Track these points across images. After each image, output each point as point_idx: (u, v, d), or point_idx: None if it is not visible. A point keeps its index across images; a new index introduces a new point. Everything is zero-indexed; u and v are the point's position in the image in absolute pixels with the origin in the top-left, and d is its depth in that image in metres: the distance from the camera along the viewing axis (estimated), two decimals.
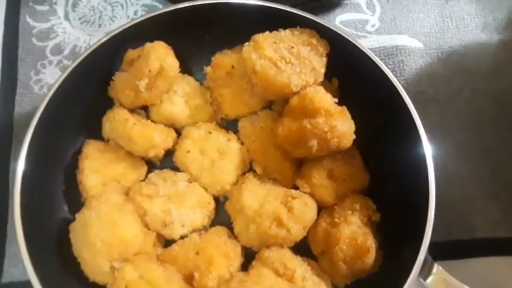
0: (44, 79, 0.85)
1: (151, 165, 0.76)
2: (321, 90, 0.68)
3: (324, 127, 0.65)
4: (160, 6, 0.92)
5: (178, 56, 0.75)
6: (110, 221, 0.62)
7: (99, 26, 0.91)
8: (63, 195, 0.70)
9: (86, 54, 0.70)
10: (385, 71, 0.70)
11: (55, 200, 0.69)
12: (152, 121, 0.75)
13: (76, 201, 0.70)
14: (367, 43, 0.88)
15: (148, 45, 0.70)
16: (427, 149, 0.65)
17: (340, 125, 0.65)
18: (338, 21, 0.91)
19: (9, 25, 0.89)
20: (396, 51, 0.87)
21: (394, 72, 0.85)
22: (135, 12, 0.92)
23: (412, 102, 0.80)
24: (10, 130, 0.81)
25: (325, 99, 0.67)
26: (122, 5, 0.92)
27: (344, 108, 0.67)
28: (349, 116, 0.67)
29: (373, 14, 0.91)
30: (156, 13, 0.72)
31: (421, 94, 0.83)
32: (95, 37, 0.89)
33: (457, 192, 0.76)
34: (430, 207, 0.61)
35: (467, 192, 0.76)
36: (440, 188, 0.74)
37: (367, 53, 0.70)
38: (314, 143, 0.66)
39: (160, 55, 0.69)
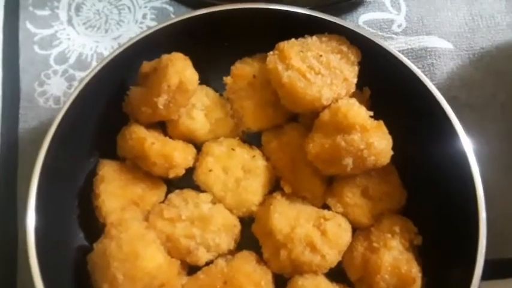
0: (49, 91, 0.80)
1: (169, 184, 0.71)
2: (355, 103, 0.63)
3: (359, 144, 0.60)
4: (171, 8, 0.86)
5: (196, 65, 0.70)
6: (131, 252, 0.57)
7: (106, 31, 0.84)
8: (78, 221, 0.65)
9: (98, 68, 0.65)
10: (420, 76, 0.65)
11: (70, 227, 0.64)
12: (170, 137, 0.69)
13: (93, 226, 0.65)
14: (394, 45, 0.83)
15: (165, 57, 0.64)
16: (473, 162, 0.60)
17: (378, 142, 0.60)
18: (361, 21, 0.85)
19: (8, 32, 0.83)
20: (425, 53, 0.81)
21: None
22: (144, 16, 0.85)
23: None
24: (15, 148, 0.75)
25: (360, 114, 0.62)
26: (129, 8, 0.86)
27: (381, 122, 0.62)
28: (386, 131, 0.62)
29: (399, 13, 0.85)
30: (171, 22, 0.67)
31: (454, 100, 0.78)
32: (101, 43, 0.83)
33: (497, 207, 0.71)
34: (481, 226, 0.56)
35: (508, 209, 0.71)
36: None
37: (399, 57, 0.65)
38: (349, 161, 0.61)
39: (179, 68, 0.63)
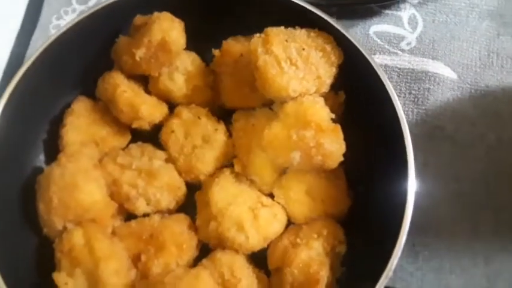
0: (62, 26, 0.85)
1: (138, 136, 0.74)
2: (320, 102, 0.63)
3: (309, 142, 0.60)
4: None
5: (192, 31, 0.72)
6: (71, 182, 0.61)
7: None
8: (43, 145, 0.71)
9: (99, 7, 0.69)
10: (390, 93, 0.63)
11: (33, 147, 0.70)
12: (148, 92, 0.73)
13: (54, 154, 0.69)
14: (396, 61, 0.81)
15: (155, 14, 0.67)
16: (411, 192, 0.58)
17: (328, 144, 0.60)
18: (372, 30, 0.84)
19: None
20: (425, 77, 0.79)
21: (416, 99, 0.78)
22: None
23: (428, 137, 0.76)
24: (18, 69, 0.82)
25: (319, 113, 0.62)
26: None
27: (337, 126, 0.62)
28: (341, 136, 0.62)
29: (413, 32, 0.83)
30: None
31: (439, 130, 0.76)
32: None
33: (444, 246, 0.69)
34: (395, 251, 0.56)
35: (455, 252, 0.69)
36: (429, 235, 0.69)
37: (377, 70, 0.64)
38: (296, 155, 0.61)
39: (164, 27, 0.66)
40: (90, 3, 0.87)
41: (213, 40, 0.75)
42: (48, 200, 0.61)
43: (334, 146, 0.61)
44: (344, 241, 0.63)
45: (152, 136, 0.74)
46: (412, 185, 0.58)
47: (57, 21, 0.86)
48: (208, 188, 0.66)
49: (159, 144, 0.72)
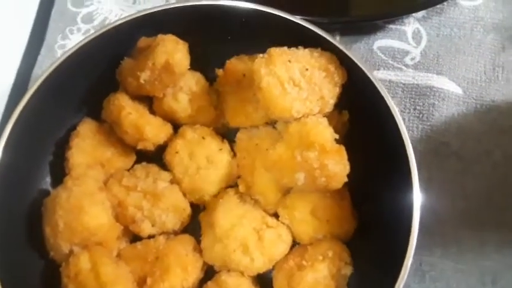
0: (68, 45, 0.86)
1: (143, 157, 0.74)
2: (323, 122, 0.63)
3: (313, 163, 0.60)
4: None
5: (197, 51, 0.72)
6: (77, 206, 0.61)
7: (134, 2, 0.90)
8: (49, 167, 0.71)
9: (104, 30, 0.69)
10: (392, 110, 0.63)
11: (39, 169, 0.70)
12: (153, 113, 0.73)
13: (61, 176, 0.70)
14: (400, 77, 0.81)
15: (159, 37, 0.68)
16: (416, 210, 0.58)
17: (332, 165, 0.60)
18: (376, 46, 0.84)
19: None
20: (430, 92, 0.79)
21: (421, 115, 0.78)
22: None
23: (433, 153, 0.75)
24: (25, 88, 0.83)
25: (323, 134, 0.62)
26: None
27: (341, 147, 0.62)
28: (345, 156, 0.62)
29: (417, 46, 0.83)
30: (178, 5, 0.70)
31: (444, 146, 0.75)
32: (126, 13, 0.89)
33: (450, 266, 0.68)
34: (402, 272, 0.55)
35: (462, 272, 0.68)
36: (435, 254, 0.69)
37: (378, 87, 0.64)
38: (301, 176, 0.61)
39: (168, 50, 0.66)
40: (96, 22, 0.88)
41: (216, 59, 0.75)
42: (55, 223, 0.62)
43: (338, 167, 0.61)
44: (350, 262, 0.63)
45: (157, 155, 0.74)
46: (418, 203, 0.58)
47: (63, 41, 0.87)
48: (213, 209, 0.66)
49: (163, 164, 0.72)
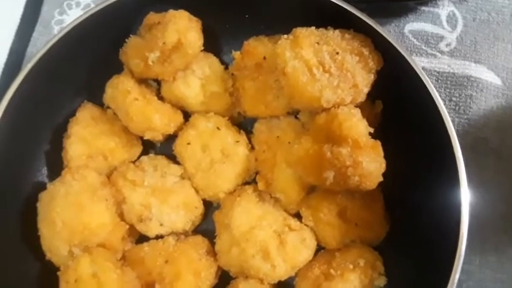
0: (65, 21, 0.78)
1: (149, 146, 0.67)
2: (356, 114, 0.56)
3: (346, 160, 0.53)
4: None
5: (210, 30, 0.65)
6: (77, 203, 0.55)
7: None
8: (45, 157, 0.64)
9: (107, 3, 0.62)
10: (437, 102, 0.56)
11: (34, 159, 0.63)
12: (161, 98, 0.66)
13: (58, 167, 0.63)
14: (435, 64, 0.73)
15: (170, 13, 0.60)
16: (465, 209, 0.52)
17: (367, 163, 0.53)
18: (408, 29, 0.76)
19: None
20: (467, 82, 0.71)
21: (457, 108, 0.71)
22: None
23: (470, 149, 0.68)
24: (18, 68, 0.75)
25: (356, 127, 0.55)
26: None
27: (377, 143, 0.55)
28: (381, 153, 0.55)
29: (452, 31, 0.75)
30: None
31: (483, 142, 0.68)
32: None
33: (489, 275, 0.62)
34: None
35: (501, 282, 0.62)
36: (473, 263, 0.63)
37: (425, 81, 0.57)
38: (330, 175, 0.54)
39: (180, 28, 0.59)
40: None
41: (232, 40, 0.68)
42: (52, 222, 0.55)
43: (373, 165, 0.54)
44: (383, 272, 0.56)
45: (165, 146, 0.67)
46: (466, 206, 0.52)
47: (60, 16, 0.79)
48: (229, 208, 0.59)
49: (172, 156, 0.65)
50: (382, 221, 0.59)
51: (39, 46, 0.76)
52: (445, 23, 0.76)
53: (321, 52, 0.58)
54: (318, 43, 0.59)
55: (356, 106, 0.58)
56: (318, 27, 0.60)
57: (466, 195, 0.53)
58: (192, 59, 0.63)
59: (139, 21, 0.64)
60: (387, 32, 0.74)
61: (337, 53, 0.59)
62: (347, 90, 0.57)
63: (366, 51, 0.59)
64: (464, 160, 0.66)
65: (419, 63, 0.73)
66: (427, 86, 0.56)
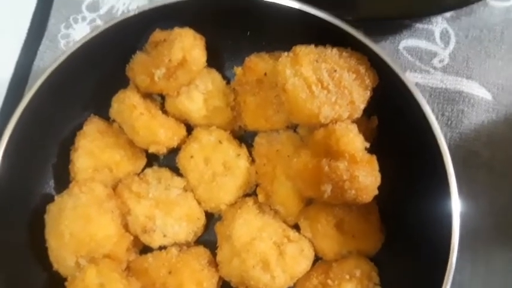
0: (72, 35, 0.80)
1: (153, 158, 0.69)
2: (353, 130, 0.58)
3: (343, 174, 0.56)
4: None
5: (213, 46, 0.67)
6: (84, 215, 0.57)
7: None
8: (52, 169, 0.66)
9: (111, 23, 0.64)
10: (429, 118, 0.59)
11: (42, 172, 0.65)
12: (165, 111, 0.68)
13: (65, 179, 0.65)
14: (428, 80, 0.76)
15: (176, 31, 0.62)
16: (456, 221, 0.54)
17: (363, 177, 0.56)
18: (402, 45, 0.79)
19: None
20: (459, 97, 0.74)
21: (450, 122, 0.73)
22: None
23: (462, 163, 0.70)
24: (24, 82, 0.77)
25: (353, 142, 0.57)
26: None
27: (373, 157, 0.57)
28: (376, 167, 0.57)
29: (445, 48, 0.78)
30: None
31: (474, 156, 0.71)
32: (135, 1, 0.82)
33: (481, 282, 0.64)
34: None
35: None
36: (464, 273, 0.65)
37: (414, 92, 0.59)
38: (328, 188, 0.57)
39: (185, 45, 0.61)
40: (102, 11, 0.82)
41: (234, 56, 0.70)
42: (60, 233, 0.57)
43: (369, 179, 0.56)
44: (379, 283, 0.58)
45: (168, 159, 0.69)
46: (457, 216, 0.54)
47: (66, 30, 0.81)
48: (231, 220, 0.61)
49: (174, 167, 0.67)
50: (378, 232, 0.61)
51: (45, 60, 0.78)
52: (438, 40, 0.79)
53: (320, 69, 0.61)
54: (316, 61, 0.61)
55: (353, 121, 0.61)
56: (316, 44, 0.63)
57: (457, 208, 0.56)
58: (196, 75, 0.65)
59: (145, 37, 0.66)
60: (382, 49, 0.76)
61: (335, 71, 0.61)
62: (344, 106, 0.60)
63: (362, 69, 0.61)
64: (456, 173, 0.69)
65: (413, 78, 0.76)
66: (420, 102, 0.59)
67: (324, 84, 0.60)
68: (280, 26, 0.67)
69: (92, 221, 0.57)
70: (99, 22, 0.81)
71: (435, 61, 0.77)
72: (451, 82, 0.75)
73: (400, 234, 0.62)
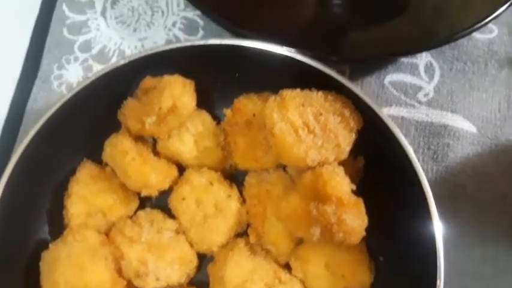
0: (64, 76, 0.82)
1: (145, 199, 0.71)
2: (339, 173, 0.60)
3: (331, 218, 0.57)
4: (201, 22, 0.85)
5: (202, 88, 0.69)
6: (79, 263, 0.58)
7: (134, 30, 0.85)
8: (47, 215, 0.67)
9: (104, 71, 0.65)
10: (407, 150, 0.60)
11: (36, 218, 0.66)
12: (157, 153, 0.69)
13: (60, 224, 0.66)
14: (413, 114, 0.78)
15: (165, 78, 0.64)
16: (440, 255, 0.56)
17: (350, 220, 0.57)
18: (388, 80, 0.81)
19: (44, 11, 0.86)
20: (444, 131, 0.76)
21: (436, 156, 0.75)
22: (174, 24, 0.85)
23: (448, 196, 0.72)
24: (18, 125, 0.78)
25: (340, 186, 0.59)
26: (162, 12, 0.87)
27: (359, 200, 0.59)
28: (363, 210, 0.59)
29: (430, 82, 0.80)
30: (184, 45, 0.66)
31: (461, 189, 0.73)
32: (126, 41, 0.84)
33: None
34: None
35: None
36: None
37: (396, 134, 0.61)
38: (316, 231, 0.58)
39: (175, 93, 0.63)
40: (94, 51, 0.84)
41: (224, 98, 0.72)
42: (55, 282, 0.58)
43: (356, 222, 0.58)
44: None
45: (158, 198, 0.70)
46: (441, 252, 0.56)
47: (59, 71, 0.82)
48: (223, 262, 0.63)
49: (166, 207, 0.69)
50: (367, 271, 0.63)
51: (39, 101, 0.80)
52: (423, 74, 0.81)
53: (306, 113, 0.62)
54: (303, 105, 0.63)
55: (339, 163, 0.63)
56: (302, 87, 0.65)
57: (440, 244, 0.57)
58: (186, 119, 0.67)
59: (136, 84, 0.68)
60: (366, 84, 0.80)
61: (321, 114, 0.63)
62: (330, 149, 0.61)
63: (347, 112, 0.63)
64: (442, 207, 0.70)
65: (399, 113, 0.78)
66: (399, 139, 0.60)
67: (310, 128, 0.62)
68: (267, 69, 0.68)
69: (86, 269, 0.58)
70: (91, 62, 0.83)
71: (420, 95, 0.79)
72: (436, 116, 0.77)
73: (389, 271, 0.64)
